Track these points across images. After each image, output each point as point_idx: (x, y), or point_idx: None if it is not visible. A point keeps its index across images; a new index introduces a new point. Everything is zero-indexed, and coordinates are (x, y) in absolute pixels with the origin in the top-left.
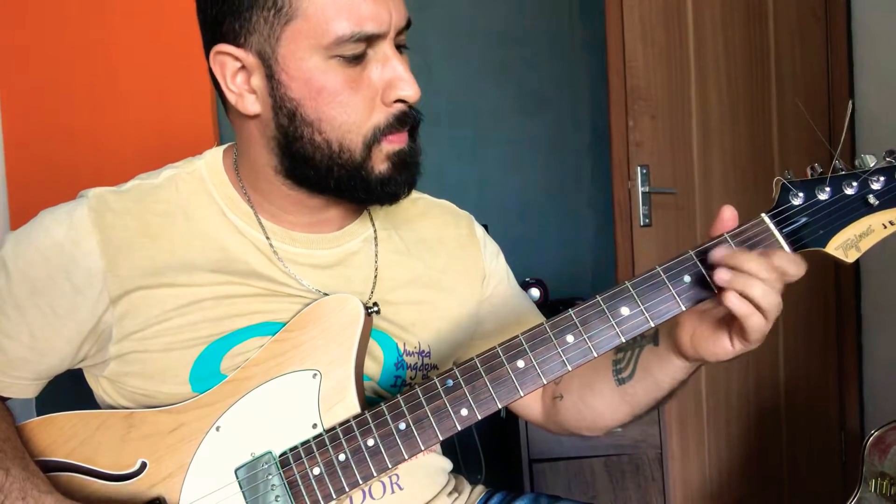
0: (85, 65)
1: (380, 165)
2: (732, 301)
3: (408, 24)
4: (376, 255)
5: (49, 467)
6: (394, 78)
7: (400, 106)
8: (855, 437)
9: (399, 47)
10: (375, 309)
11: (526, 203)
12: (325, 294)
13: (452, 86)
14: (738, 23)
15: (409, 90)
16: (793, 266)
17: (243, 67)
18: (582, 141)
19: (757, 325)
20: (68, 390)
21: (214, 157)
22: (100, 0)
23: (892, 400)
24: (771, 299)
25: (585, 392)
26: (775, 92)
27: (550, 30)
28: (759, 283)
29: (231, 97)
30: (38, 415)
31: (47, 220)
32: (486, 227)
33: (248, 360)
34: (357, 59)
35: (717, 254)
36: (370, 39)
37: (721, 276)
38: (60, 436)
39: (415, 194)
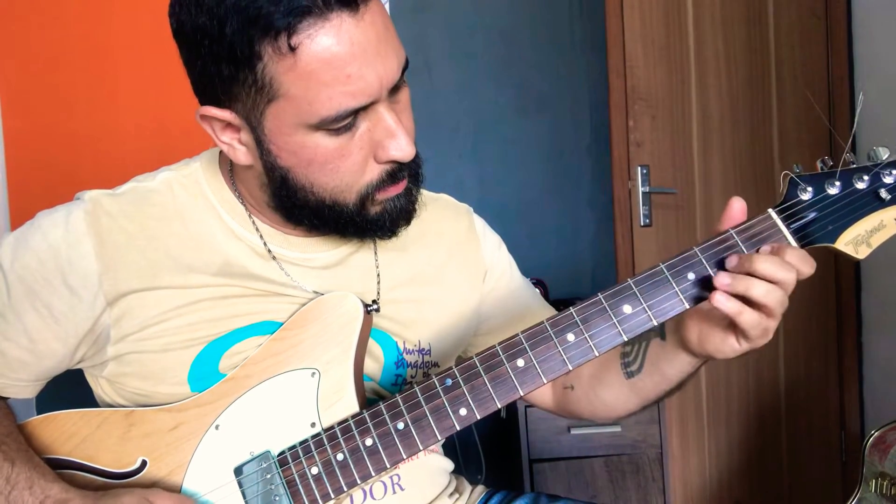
0: (85, 65)
1: (374, 209)
2: (719, 300)
3: (405, 67)
4: (375, 254)
5: (51, 465)
6: (385, 138)
7: (394, 163)
8: (855, 437)
9: (396, 87)
10: (375, 307)
11: (526, 203)
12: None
13: (452, 85)
14: (738, 23)
15: (401, 151)
16: (805, 265)
17: (230, 125)
18: (582, 141)
19: (750, 321)
20: (68, 389)
21: (210, 159)
22: (100, 0)
23: (892, 400)
24: (775, 297)
25: (595, 384)
26: (775, 92)
27: (550, 30)
28: (762, 283)
29: (223, 147)
30: (39, 413)
31: (44, 222)
32: None
33: (247, 359)
34: (346, 128)
35: (731, 262)
36: (358, 111)
37: (721, 280)
38: (62, 434)
39: None
